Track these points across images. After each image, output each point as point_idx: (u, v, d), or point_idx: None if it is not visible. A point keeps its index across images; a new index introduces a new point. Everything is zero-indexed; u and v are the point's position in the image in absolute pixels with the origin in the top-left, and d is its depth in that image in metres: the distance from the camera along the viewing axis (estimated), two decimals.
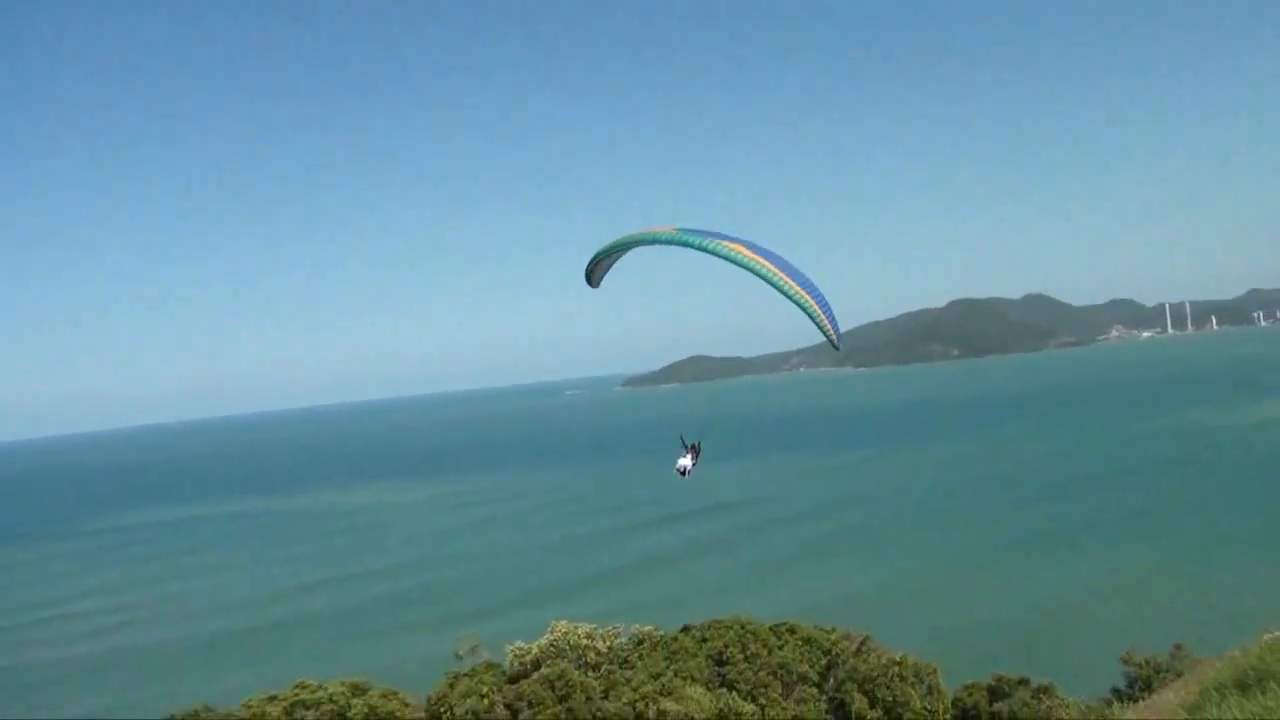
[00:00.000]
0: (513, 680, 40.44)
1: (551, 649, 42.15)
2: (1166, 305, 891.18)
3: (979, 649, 69.13)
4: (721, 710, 36.53)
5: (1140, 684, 36.71)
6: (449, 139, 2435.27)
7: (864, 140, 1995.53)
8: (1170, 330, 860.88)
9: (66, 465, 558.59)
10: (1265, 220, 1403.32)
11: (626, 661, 40.77)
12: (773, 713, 37.45)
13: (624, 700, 36.75)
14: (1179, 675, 31.33)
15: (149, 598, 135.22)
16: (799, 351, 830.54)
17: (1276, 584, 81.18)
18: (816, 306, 23.86)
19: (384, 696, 38.57)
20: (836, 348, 25.90)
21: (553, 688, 36.99)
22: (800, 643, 41.81)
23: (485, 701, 37.95)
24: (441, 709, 38.13)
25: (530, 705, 36.75)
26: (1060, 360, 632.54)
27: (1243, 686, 15.22)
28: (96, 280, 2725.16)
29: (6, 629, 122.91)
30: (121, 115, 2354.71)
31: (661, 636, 43.47)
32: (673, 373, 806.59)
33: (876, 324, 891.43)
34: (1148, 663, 37.97)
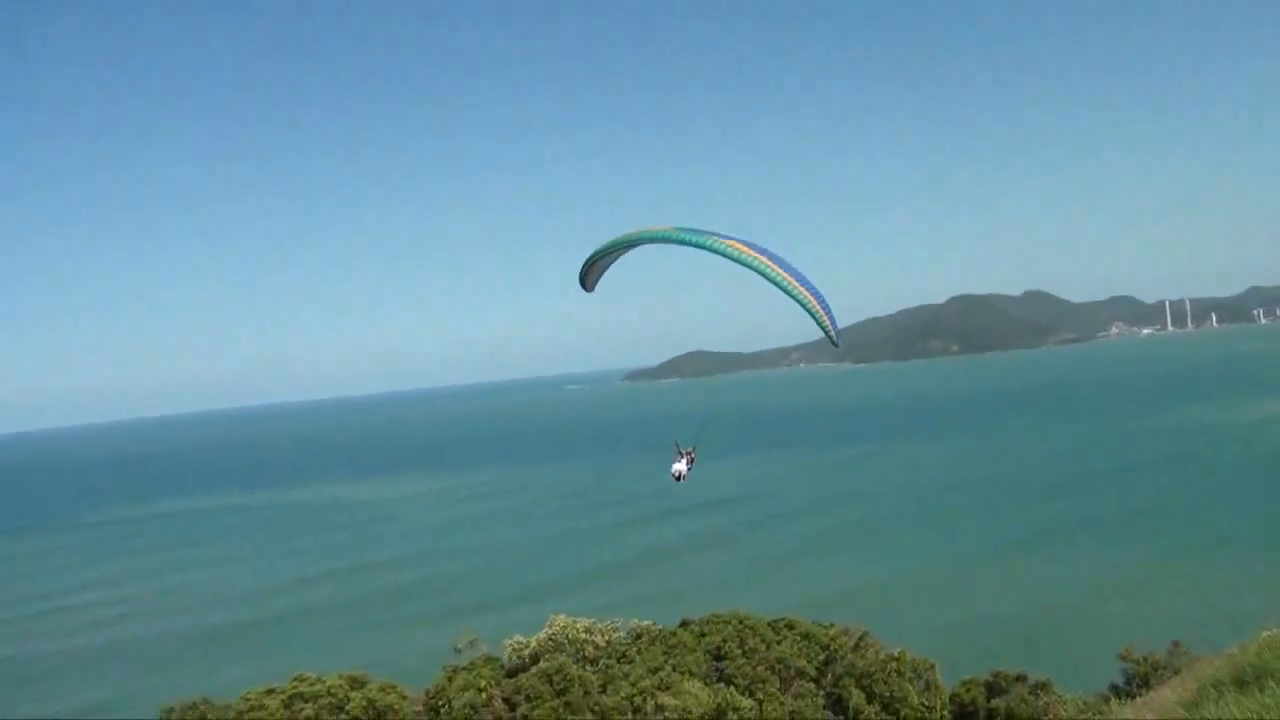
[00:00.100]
0: (511, 674, 40.46)
1: (550, 643, 42.17)
2: (1166, 302, 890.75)
3: (977, 645, 69.16)
4: (719, 705, 36.54)
5: (1138, 681, 36.74)
6: (450, 134, 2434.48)
7: (864, 137, 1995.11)
8: (1170, 327, 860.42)
9: (67, 457, 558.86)
10: (1265, 218, 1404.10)
11: (625, 656, 40.79)
12: (770, 708, 37.46)
13: (622, 694, 36.77)
14: (1177, 673, 31.34)
15: (149, 590, 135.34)
16: (798, 347, 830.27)
17: (1275, 582, 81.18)
18: (815, 302, 23.88)
19: (382, 690, 38.57)
20: (835, 344, 25.92)
21: (551, 682, 37.01)
22: (798, 638, 41.82)
23: (483, 695, 37.97)
24: (440, 702, 38.14)
25: (528, 699, 36.77)
26: (1060, 357, 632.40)
27: (1241, 684, 15.21)
28: (97, 272, 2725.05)
29: (7, 621, 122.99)
30: (121, 110, 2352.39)
31: (660, 631, 43.49)
32: (673, 368, 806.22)
33: (876, 320, 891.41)
34: (1146, 660, 37.99)
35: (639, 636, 42.94)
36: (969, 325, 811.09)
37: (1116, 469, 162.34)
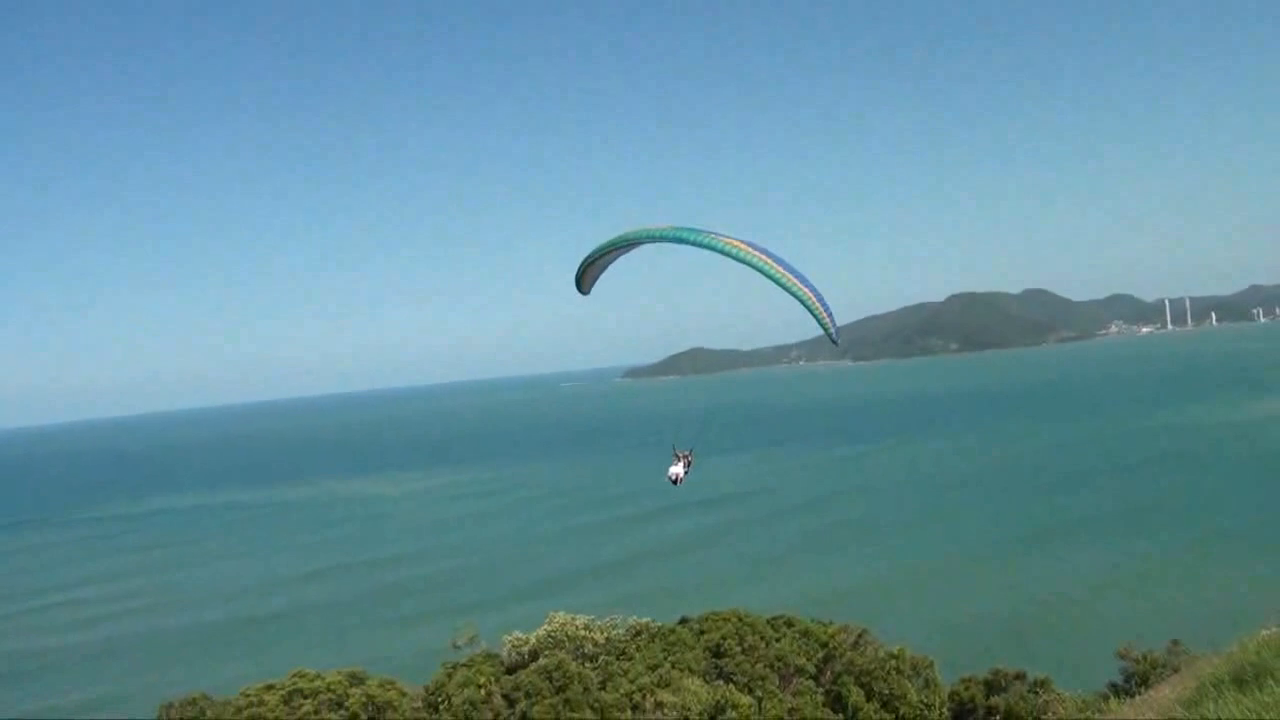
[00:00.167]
0: (510, 671, 40.49)
1: (549, 640, 42.20)
2: (1166, 301, 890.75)
3: (976, 643, 69.20)
4: (718, 702, 36.57)
5: (1137, 679, 36.71)
6: (450, 131, 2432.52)
7: (864, 135, 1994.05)
8: (1170, 326, 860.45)
9: (65, 453, 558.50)
10: (1265, 216, 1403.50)
11: (624, 653, 40.81)
12: (770, 705, 37.48)
13: (621, 691, 36.79)
14: (1176, 671, 31.35)
15: (147, 586, 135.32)
16: (798, 345, 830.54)
17: (1274, 581, 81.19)
18: (814, 299, 23.85)
19: (381, 686, 38.61)
20: (834, 342, 25.89)
21: (550, 678, 37.03)
22: (798, 636, 41.87)
23: (482, 692, 37.99)
24: (439, 699, 38.17)
25: (527, 696, 36.79)
26: (1060, 355, 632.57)
27: (1240, 683, 15.21)
28: (97, 268, 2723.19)
29: (6, 616, 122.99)
30: (120, 106, 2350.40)
31: (659, 628, 43.52)
32: (672, 365, 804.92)
33: (876, 317, 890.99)
34: (1145, 658, 37.97)
35: (638, 634, 42.97)
36: (969, 323, 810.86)
37: (1115, 467, 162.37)
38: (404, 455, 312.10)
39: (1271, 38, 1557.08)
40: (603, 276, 27.67)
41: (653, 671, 38.21)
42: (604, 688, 37.06)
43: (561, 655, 39.26)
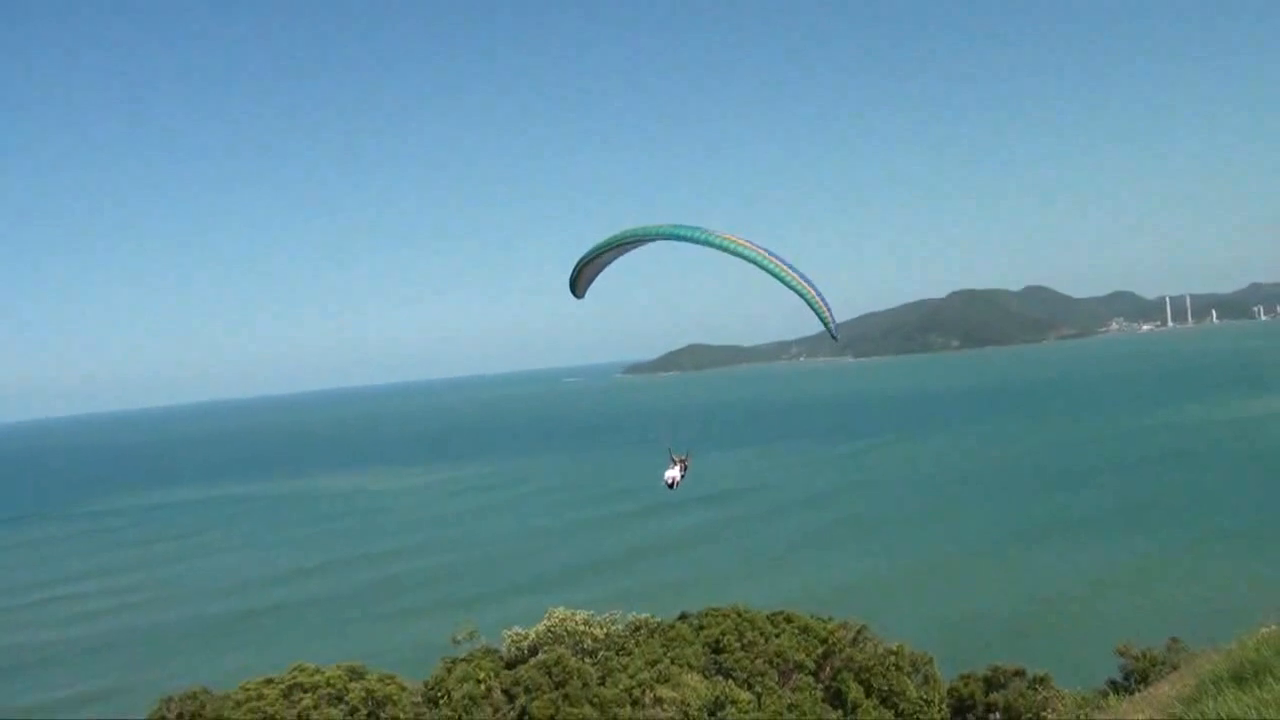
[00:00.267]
0: (510, 666, 40.51)
1: (549, 635, 42.21)
2: (1167, 298, 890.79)
3: (975, 639, 69.25)
4: (718, 697, 36.60)
5: (1136, 677, 36.73)
6: (450, 126, 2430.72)
7: (865, 131, 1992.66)
8: (1170, 323, 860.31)
9: (65, 447, 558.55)
10: (1266, 214, 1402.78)
11: (623, 648, 40.82)
12: (769, 701, 37.51)
13: (620, 686, 36.81)
14: (1175, 668, 31.37)
15: (147, 580, 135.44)
16: (798, 341, 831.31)
17: (1274, 578, 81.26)
18: (814, 294, 23.81)
19: (381, 681, 38.61)
20: (834, 337, 25.82)
21: (549, 673, 37.05)
22: (797, 632, 41.88)
23: (482, 687, 38.01)
24: (439, 693, 38.19)
25: (527, 691, 36.82)
26: (1060, 352, 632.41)
27: (1240, 680, 15.21)
28: (96, 263, 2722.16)
29: (5, 610, 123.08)
30: (116, 103, 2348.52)
31: (658, 624, 43.52)
32: (672, 361, 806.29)
33: (876, 314, 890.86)
34: (1144, 655, 37.96)
35: (637, 629, 42.98)
36: (969, 320, 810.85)
37: (1115, 464, 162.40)
38: (404, 450, 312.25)
39: (1272, 37, 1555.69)
40: (600, 277, 27.12)
41: (652, 667, 38.23)
42: (603, 683, 37.09)
43: (561, 650, 39.28)
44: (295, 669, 38.61)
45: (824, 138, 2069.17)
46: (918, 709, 39.24)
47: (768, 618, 42.95)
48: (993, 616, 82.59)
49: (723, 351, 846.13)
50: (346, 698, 36.87)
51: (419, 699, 38.39)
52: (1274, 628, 19.21)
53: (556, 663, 37.44)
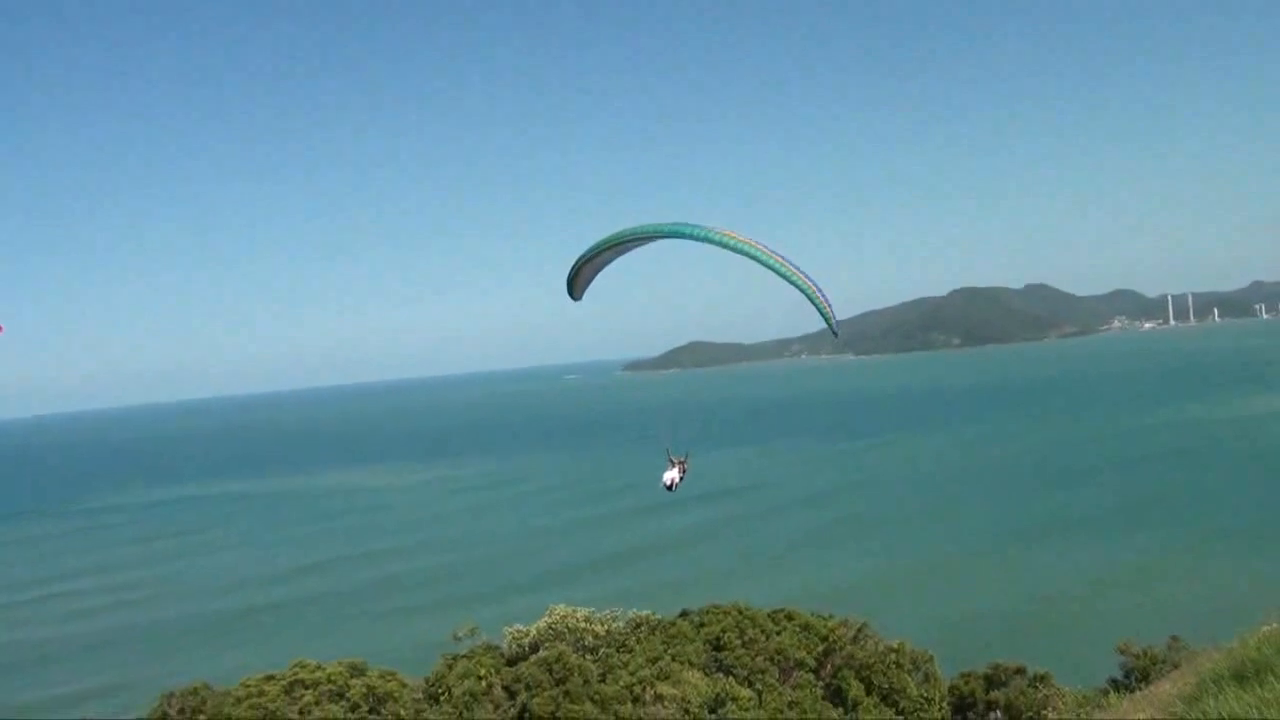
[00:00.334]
0: (510, 663, 40.54)
1: (549, 632, 42.24)
2: (1169, 296, 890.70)
3: (976, 638, 69.21)
4: (718, 695, 36.62)
5: (1137, 675, 36.73)
6: (453, 123, 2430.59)
7: (867, 129, 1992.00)
8: (1172, 322, 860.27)
9: (63, 443, 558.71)
10: (1269, 213, 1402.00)
11: (624, 645, 40.85)
12: (769, 698, 37.53)
13: (621, 683, 36.83)
14: (1176, 667, 31.37)
15: (146, 577, 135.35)
16: (799, 338, 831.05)
17: (1275, 577, 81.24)
18: (814, 288, 23.73)
19: (382, 677, 38.64)
20: (835, 333, 25.72)
21: (550, 670, 37.08)
22: (798, 629, 41.89)
23: (483, 683, 38.04)
24: (439, 690, 38.22)
25: (527, 688, 36.84)
26: (1061, 350, 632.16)
27: (1241, 679, 15.20)
28: (94, 259, 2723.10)
29: (5, 606, 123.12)
30: (112, 102, 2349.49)
31: (659, 621, 43.55)
32: (673, 358, 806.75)
33: (877, 312, 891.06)
34: (1145, 654, 37.96)
35: (638, 626, 43.00)
36: (970, 318, 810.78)
37: (1116, 463, 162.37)
38: (405, 447, 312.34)
39: (1274, 36, 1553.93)
40: (599, 276, 26.61)
41: (653, 664, 38.25)
42: (604, 680, 37.11)
43: (562, 647, 39.30)
44: (296, 665, 38.64)
45: (825, 136, 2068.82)
46: (918, 707, 39.26)
47: (768, 615, 42.98)
48: (993, 614, 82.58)
49: (723, 349, 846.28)
50: (347, 694, 36.89)
51: (420, 695, 38.42)
52: (1275, 626, 19.20)
53: (557, 660, 37.45)
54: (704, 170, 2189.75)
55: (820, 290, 23.91)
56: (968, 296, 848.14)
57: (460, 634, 44.04)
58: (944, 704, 40.08)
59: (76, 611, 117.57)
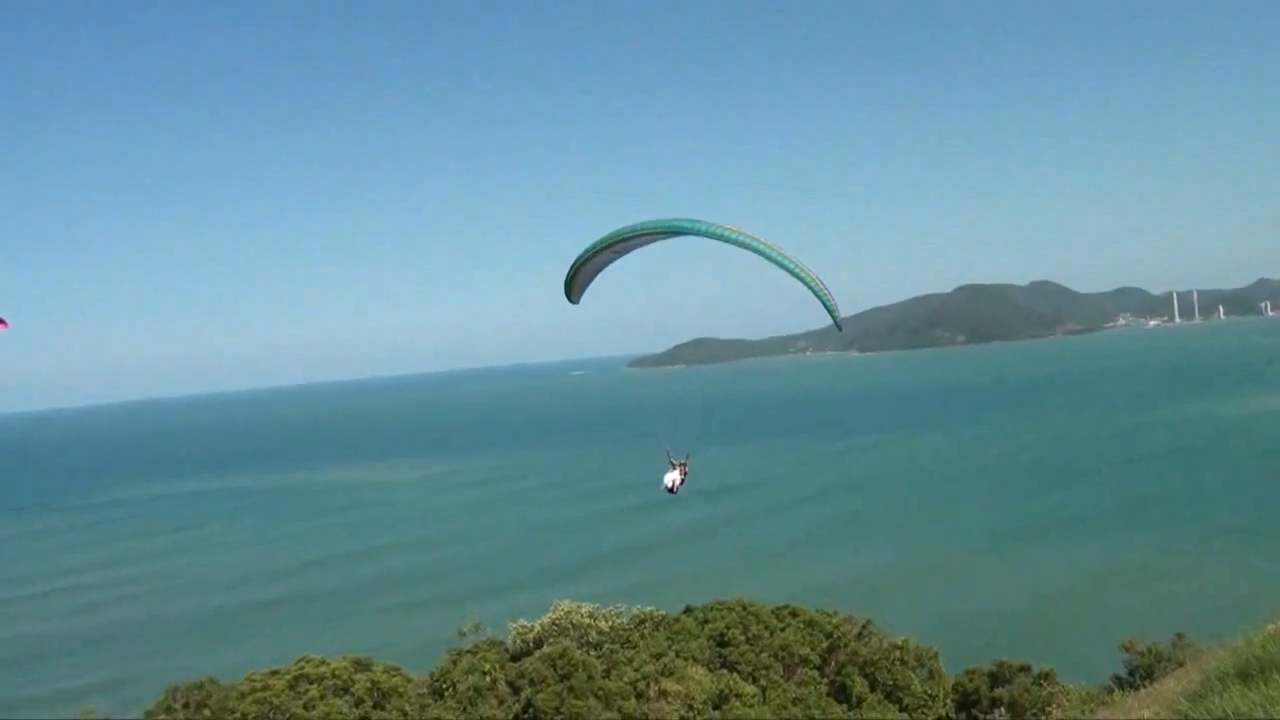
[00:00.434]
0: (515, 658, 40.60)
1: (554, 628, 42.30)
2: (1174, 294, 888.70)
3: (980, 635, 69.25)
4: (722, 691, 36.65)
5: (1141, 672, 36.69)
6: (458, 120, 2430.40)
7: (872, 126, 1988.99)
8: (1177, 319, 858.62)
9: (68, 438, 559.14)
10: (1274, 210, 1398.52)
11: (628, 641, 40.89)
12: (774, 694, 37.56)
13: (625, 679, 36.87)
14: (1181, 664, 31.32)
15: (149, 572, 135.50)
16: (804, 335, 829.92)
17: (1278, 575, 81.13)
18: (819, 282, 23.67)
19: (386, 672, 38.71)
20: (839, 327, 25.64)
21: (554, 666, 37.12)
22: (802, 626, 41.91)
23: (487, 678, 38.11)
24: (444, 685, 38.29)
25: (532, 683, 36.89)
26: (1066, 347, 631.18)
27: (1245, 677, 15.19)
28: (96, 254, 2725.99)
29: (10, 600, 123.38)
30: (112, 96, 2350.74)
31: (663, 617, 43.59)
32: (678, 355, 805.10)
33: (882, 308, 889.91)
34: (1149, 651, 37.93)
35: (642, 622, 43.05)
36: (976, 315, 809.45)
37: (1121, 460, 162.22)
38: (409, 443, 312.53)
39: (1276, 36, 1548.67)
40: (601, 275, 26.04)
41: (657, 660, 38.29)
42: (608, 676, 37.14)
43: (566, 643, 39.35)
44: (301, 660, 38.72)
45: (830, 133, 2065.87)
46: (922, 704, 39.28)
47: (773, 611, 42.99)
48: (997, 612, 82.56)
49: (729, 345, 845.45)
50: (352, 689, 36.96)
51: (424, 691, 38.49)
52: None
53: (561, 655, 37.50)
54: (709, 168, 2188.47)
55: (824, 285, 23.88)
56: (973, 293, 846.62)
57: (464, 629, 44.13)
58: (948, 701, 40.08)
59: (80, 606, 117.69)
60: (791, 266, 23.25)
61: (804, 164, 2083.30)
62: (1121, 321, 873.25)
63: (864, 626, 42.33)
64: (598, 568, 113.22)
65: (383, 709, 36.74)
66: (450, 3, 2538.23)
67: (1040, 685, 38.46)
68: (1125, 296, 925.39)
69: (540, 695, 36.02)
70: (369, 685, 37.23)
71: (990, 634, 70.23)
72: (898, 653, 40.38)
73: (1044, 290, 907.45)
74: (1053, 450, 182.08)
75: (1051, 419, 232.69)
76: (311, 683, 36.98)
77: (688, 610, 44.48)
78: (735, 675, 37.96)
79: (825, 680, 39.72)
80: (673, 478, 27.74)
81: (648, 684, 36.65)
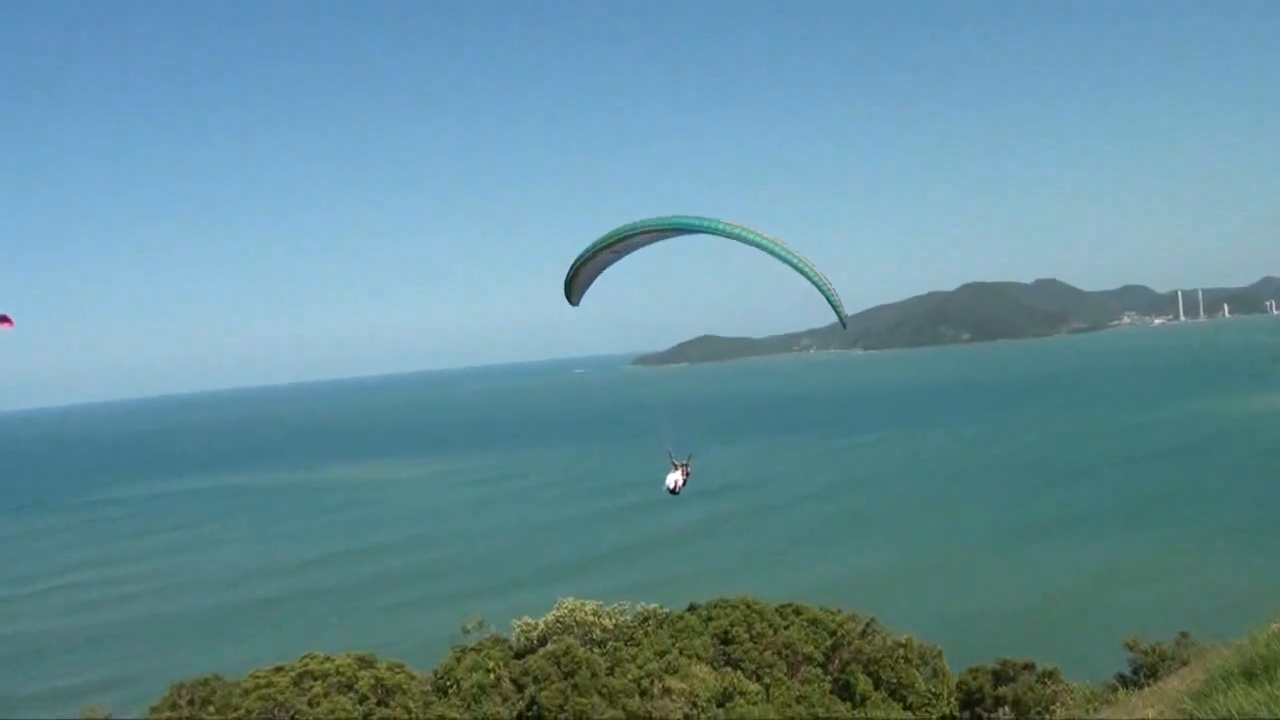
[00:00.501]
0: (519, 655, 40.68)
1: (558, 625, 42.35)
2: (1179, 292, 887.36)
3: (984, 633, 69.21)
4: (726, 689, 36.68)
5: (1145, 671, 36.68)
6: (463, 117, 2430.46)
7: (877, 123, 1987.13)
8: (1182, 317, 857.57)
9: (65, 436, 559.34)
10: (1279, 209, 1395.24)
11: (632, 639, 40.92)
12: (777, 692, 37.57)
13: (629, 677, 36.91)
14: (1185, 663, 31.29)
15: (150, 570, 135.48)
16: (808, 333, 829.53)
17: None
18: (824, 278, 23.60)
19: (390, 669, 38.79)
20: (844, 324, 25.55)
21: (558, 663, 37.17)
22: (806, 624, 41.92)
23: (491, 676, 38.17)
24: (448, 682, 38.36)
25: (536, 680, 36.94)
26: (1071, 346, 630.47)
27: (1250, 676, 15.15)
28: (96, 253, 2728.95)
29: (12, 599, 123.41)
30: (112, 95, 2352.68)
31: (667, 615, 43.63)
32: (682, 352, 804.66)
33: (887, 306, 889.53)
34: (1153, 650, 37.91)
35: (646, 620, 43.08)
36: (980, 313, 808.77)
37: (1126, 458, 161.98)
38: (412, 441, 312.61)
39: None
40: (602, 275, 25.50)
41: (661, 658, 38.32)
42: (612, 673, 37.19)
43: (570, 641, 39.40)
44: (305, 658, 38.83)
45: (835, 132, 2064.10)
46: (926, 702, 39.29)
47: (776, 609, 43.01)
48: (1002, 610, 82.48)
49: (733, 343, 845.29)
50: (356, 686, 37.04)
51: (428, 688, 38.56)
52: None
53: (565, 653, 37.55)
54: (712, 166, 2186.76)
55: (828, 280, 23.82)
56: (977, 291, 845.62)
57: (469, 627, 44.20)
58: (952, 699, 40.09)
59: (81, 604, 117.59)
60: (795, 260, 23.18)
61: (809, 162, 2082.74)
62: (1126, 320, 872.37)
63: (868, 625, 42.34)
64: (601, 566, 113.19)
65: (387, 706, 36.82)
66: (450, 2, 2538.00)
67: (1044, 684, 38.46)
68: (1130, 295, 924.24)
69: (544, 692, 36.07)
70: (373, 682, 37.30)
71: (994, 632, 70.16)
72: (901, 651, 40.38)
73: (1049, 288, 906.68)
74: (1057, 449, 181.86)
75: (1056, 417, 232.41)
76: (316, 680, 37.07)
77: (691, 608, 44.50)
78: (739, 673, 37.99)
79: (829, 678, 39.74)
80: (675, 478, 27.40)
81: (652, 681, 36.69)
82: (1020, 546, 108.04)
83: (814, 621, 42.15)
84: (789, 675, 39.01)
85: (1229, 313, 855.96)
